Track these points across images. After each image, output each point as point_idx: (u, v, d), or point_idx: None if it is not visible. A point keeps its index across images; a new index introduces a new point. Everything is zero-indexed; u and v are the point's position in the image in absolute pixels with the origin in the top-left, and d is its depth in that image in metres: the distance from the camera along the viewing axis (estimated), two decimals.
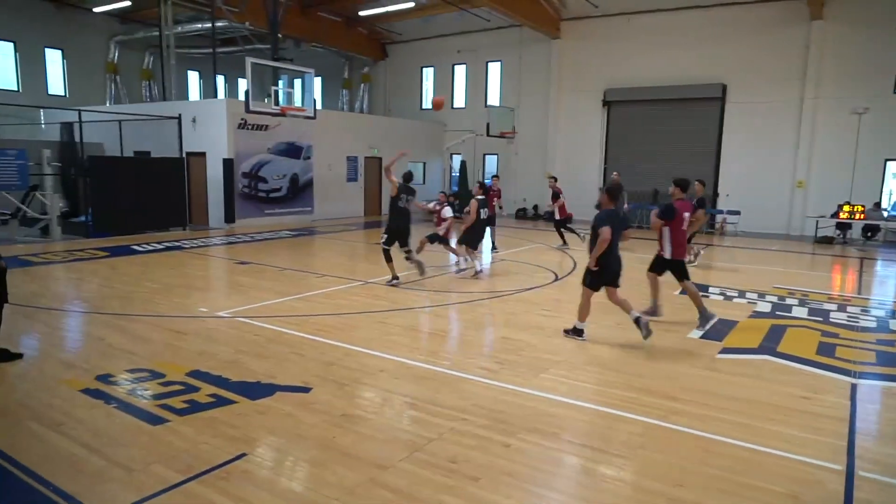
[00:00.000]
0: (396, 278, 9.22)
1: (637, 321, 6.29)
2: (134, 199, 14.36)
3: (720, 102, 18.55)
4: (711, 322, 7.17)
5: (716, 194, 18.93)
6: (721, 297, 8.96)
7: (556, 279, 10.14)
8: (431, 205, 10.88)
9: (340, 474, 3.60)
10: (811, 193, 17.55)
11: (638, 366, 5.75)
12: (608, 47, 20.17)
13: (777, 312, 8.06)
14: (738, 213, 18.07)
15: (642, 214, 19.56)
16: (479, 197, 10.38)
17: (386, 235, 9.25)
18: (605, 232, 6.12)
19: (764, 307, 8.36)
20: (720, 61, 18.33)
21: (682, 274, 7.38)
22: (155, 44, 21.39)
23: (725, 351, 6.28)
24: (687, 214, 7.35)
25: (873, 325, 7.57)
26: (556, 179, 14.50)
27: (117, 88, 23.44)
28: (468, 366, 5.65)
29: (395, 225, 9.19)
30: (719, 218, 18.65)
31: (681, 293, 8.01)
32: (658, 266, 7.48)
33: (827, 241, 16.16)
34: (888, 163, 16.75)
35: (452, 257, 11.26)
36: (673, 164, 19.34)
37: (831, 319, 7.70)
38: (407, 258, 9.50)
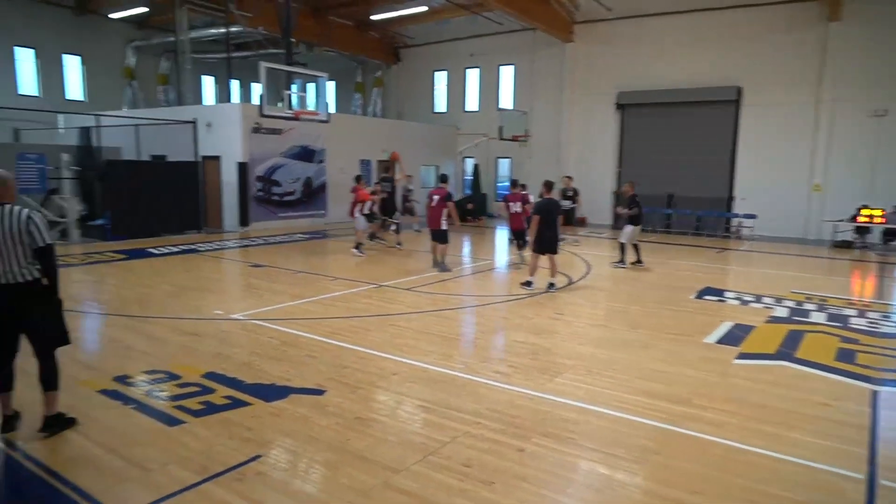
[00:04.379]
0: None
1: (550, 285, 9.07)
2: (150, 203, 14.51)
3: (735, 105, 18.38)
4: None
5: (731, 198, 18.77)
6: (737, 302, 8.87)
7: (570, 283, 10.09)
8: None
9: (354, 477, 3.61)
10: (828, 197, 17.31)
11: (654, 371, 5.70)
12: (622, 50, 20.08)
13: (794, 317, 7.96)
14: (753, 216, 17.89)
15: (657, 218, 19.44)
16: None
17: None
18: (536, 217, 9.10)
19: (781, 312, 8.26)
20: (735, 63, 18.16)
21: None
22: (171, 49, 21.63)
23: (742, 356, 6.21)
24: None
25: (895, 331, 7.45)
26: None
27: (134, 93, 23.75)
28: (482, 369, 5.64)
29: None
30: (735, 222, 18.48)
31: None
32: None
33: (845, 245, 15.93)
34: None
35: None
36: (687, 167, 19.24)
37: (851, 325, 7.60)
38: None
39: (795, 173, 17.67)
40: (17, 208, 3.99)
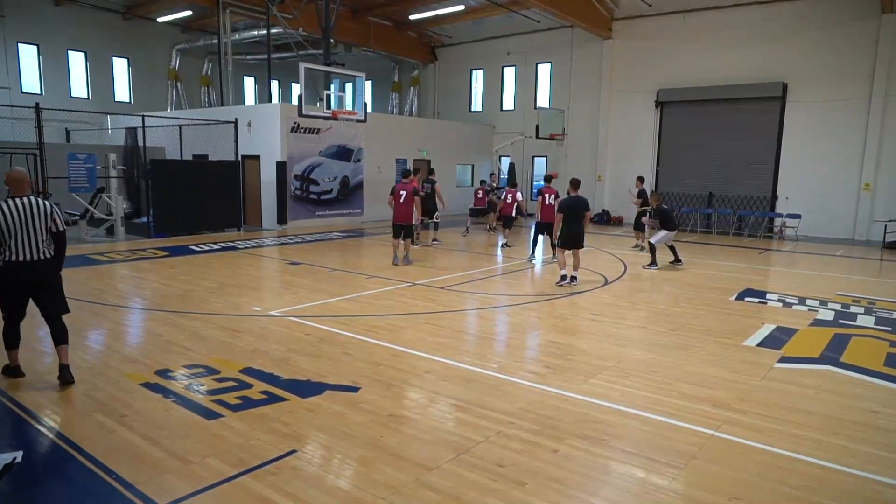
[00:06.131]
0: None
1: (573, 279, 9.50)
2: (192, 201, 14.89)
3: (780, 102, 17.82)
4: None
5: (774, 197, 18.23)
6: (780, 304, 8.61)
7: (606, 283, 9.96)
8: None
9: (387, 474, 3.63)
10: (879, 196, 16.66)
11: (692, 373, 5.58)
12: (662, 46, 19.69)
13: (840, 321, 7.69)
14: (798, 216, 17.34)
15: (696, 218, 19.03)
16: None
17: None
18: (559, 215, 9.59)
19: (826, 315, 7.99)
20: (780, 59, 17.61)
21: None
22: (214, 51, 22.17)
23: (784, 360, 6.03)
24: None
25: None
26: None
27: (178, 94, 24.46)
28: (516, 369, 5.61)
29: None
30: (778, 222, 17.94)
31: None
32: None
33: None
34: None
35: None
36: (728, 166, 18.77)
37: None
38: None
39: (844, 172, 17.04)
40: (38, 199, 4.95)
